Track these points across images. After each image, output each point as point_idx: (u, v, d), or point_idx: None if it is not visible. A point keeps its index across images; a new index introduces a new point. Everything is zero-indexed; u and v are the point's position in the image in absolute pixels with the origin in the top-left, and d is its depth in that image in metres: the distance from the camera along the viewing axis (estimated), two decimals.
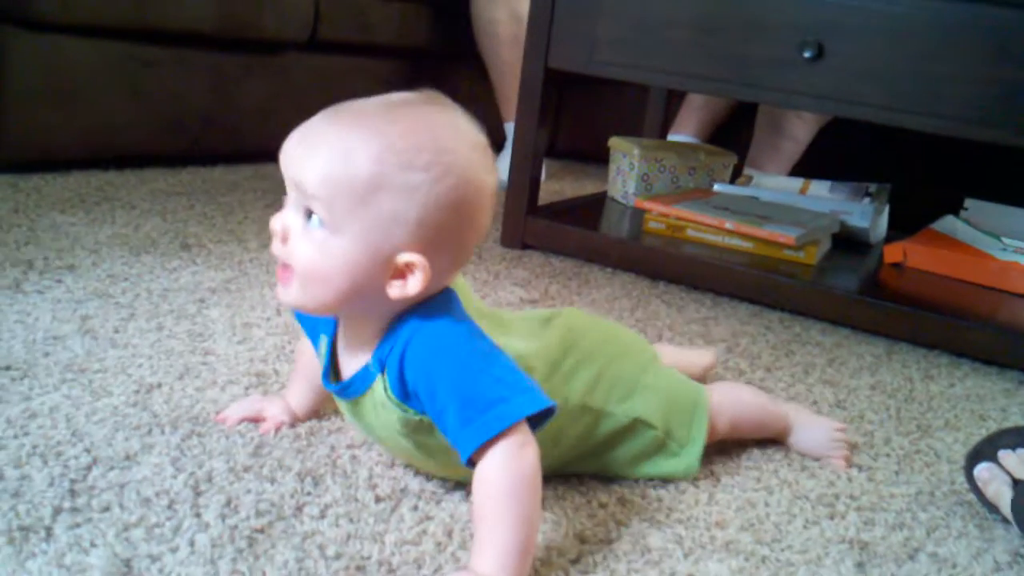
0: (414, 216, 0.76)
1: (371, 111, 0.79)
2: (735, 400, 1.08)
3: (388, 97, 0.81)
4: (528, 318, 1.01)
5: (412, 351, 0.79)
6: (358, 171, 0.75)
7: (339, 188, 0.75)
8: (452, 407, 0.77)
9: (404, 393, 0.81)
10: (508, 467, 0.76)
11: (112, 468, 0.87)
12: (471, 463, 0.77)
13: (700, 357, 1.24)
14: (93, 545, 0.75)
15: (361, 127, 0.77)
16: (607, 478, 0.99)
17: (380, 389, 0.83)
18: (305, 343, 0.97)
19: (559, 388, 0.91)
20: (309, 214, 0.77)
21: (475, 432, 0.77)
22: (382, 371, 0.82)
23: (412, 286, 0.78)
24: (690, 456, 1.00)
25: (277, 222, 0.79)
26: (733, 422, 1.06)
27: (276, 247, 0.80)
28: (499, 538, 0.75)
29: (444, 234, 0.78)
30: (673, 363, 1.09)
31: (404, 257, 0.77)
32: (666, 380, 1.03)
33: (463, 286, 0.88)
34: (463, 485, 0.92)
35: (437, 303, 0.82)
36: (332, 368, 0.89)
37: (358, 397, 0.86)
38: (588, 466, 0.98)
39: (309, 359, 0.98)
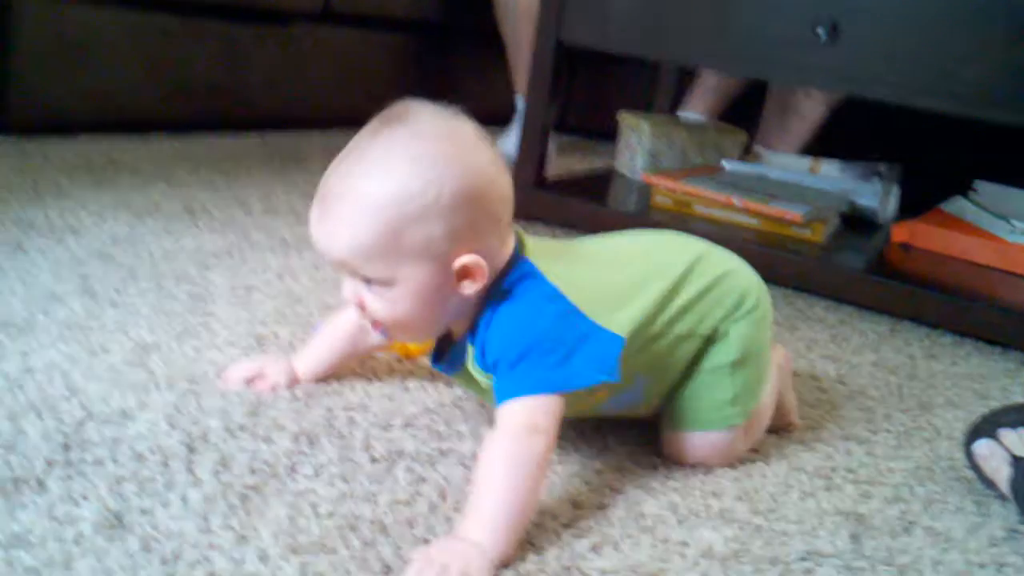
0: (441, 231, 0.80)
1: (356, 165, 0.82)
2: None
3: (364, 139, 0.84)
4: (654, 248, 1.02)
5: (494, 321, 0.85)
6: (376, 230, 0.80)
7: (370, 252, 0.81)
8: (505, 362, 0.83)
9: (486, 364, 0.86)
10: (513, 447, 0.80)
11: (107, 424, 0.87)
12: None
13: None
14: (84, 498, 0.75)
15: (358, 189, 0.81)
16: (603, 446, 0.99)
17: (471, 361, 0.88)
18: (344, 316, 1.01)
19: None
20: (366, 279, 0.83)
21: (511, 385, 0.82)
22: (473, 343, 0.87)
23: (480, 278, 0.83)
24: (730, 413, 0.97)
25: (348, 293, 0.86)
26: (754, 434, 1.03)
27: (359, 314, 0.87)
28: (486, 505, 0.77)
29: (476, 225, 0.82)
30: None
31: (458, 264, 0.82)
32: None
33: (542, 245, 0.92)
34: (457, 450, 0.93)
35: (515, 275, 0.86)
36: (439, 350, 0.94)
37: (459, 370, 0.91)
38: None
39: (343, 331, 1.01)
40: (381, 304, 0.84)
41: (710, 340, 0.96)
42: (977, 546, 0.90)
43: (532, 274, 0.86)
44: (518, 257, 0.87)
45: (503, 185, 0.84)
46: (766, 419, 1.04)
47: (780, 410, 1.08)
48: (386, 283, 0.82)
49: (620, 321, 0.88)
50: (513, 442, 0.80)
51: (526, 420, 0.81)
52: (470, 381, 0.91)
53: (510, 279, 0.86)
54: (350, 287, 0.85)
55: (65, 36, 1.90)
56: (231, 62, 2.19)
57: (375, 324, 0.87)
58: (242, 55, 2.21)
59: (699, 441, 0.97)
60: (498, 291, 0.85)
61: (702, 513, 0.89)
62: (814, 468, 1.01)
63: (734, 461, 0.99)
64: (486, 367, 0.86)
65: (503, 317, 0.84)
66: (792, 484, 0.97)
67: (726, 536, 0.85)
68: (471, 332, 0.87)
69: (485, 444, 0.81)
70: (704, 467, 0.97)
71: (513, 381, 0.83)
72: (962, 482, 1.03)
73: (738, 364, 0.96)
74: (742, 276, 1.00)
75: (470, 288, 0.83)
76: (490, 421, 0.91)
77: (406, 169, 0.80)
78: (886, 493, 0.98)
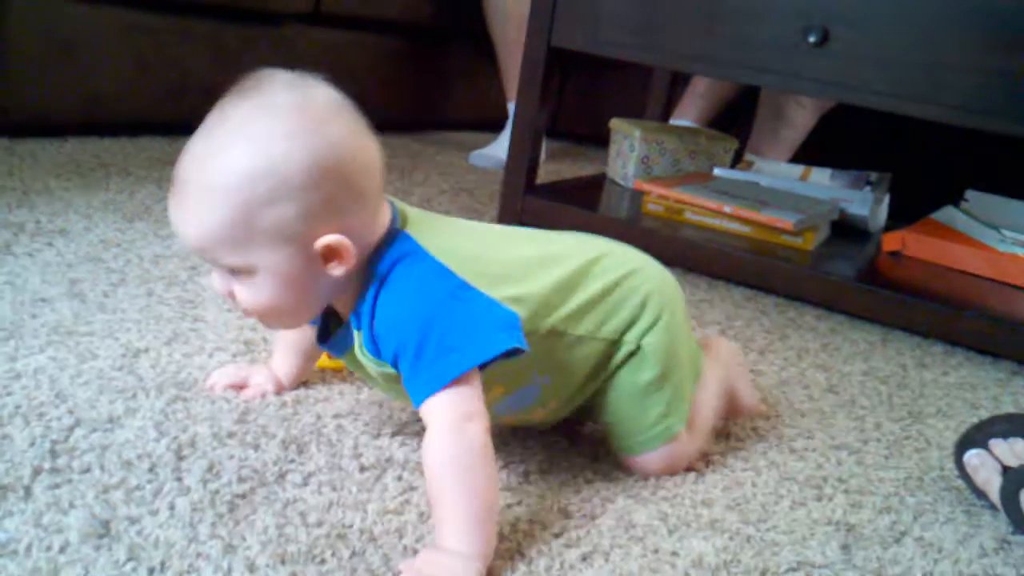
0: (295, 211, 0.76)
1: (201, 145, 0.77)
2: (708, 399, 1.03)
3: (213, 116, 0.78)
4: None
5: (379, 308, 0.80)
6: (223, 216, 0.75)
7: (221, 239, 0.77)
8: (407, 356, 0.78)
9: (377, 349, 0.81)
10: (452, 444, 0.77)
11: (95, 430, 0.86)
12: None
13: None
14: (72, 506, 0.75)
15: (203, 173, 0.76)
16: (593, 455, 0.99)
17: (359, 346, 0.83)
18: None
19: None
20: (229, 269, 0.79)
21: (424, 382, 0.78)
22: (358, 328, 0.82)
23: (347, 259, 0.78)
24: (666, 427, 0.95)
25: (217, 284, 0.82)
26: (699, 433, 1.01)
27: (232, 304, 0.83)
28: (453, 515, 0.75)
29: (336, 202, 0.77)
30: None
31: (320, 244, 0.77)
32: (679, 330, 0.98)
33: (425, 218, 0.87)
34: None
35: (394, 253, 0.81)
36: (323, 329, 0.90)
37: (347, 353, 0.86)
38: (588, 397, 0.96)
39: (300, 330, 0.97)
40: (248, 293, 0.80)
41: (615, 347, 0.93)
42: (968, 557, 0.90)
43: (414, 251, 0.81)
44: (396, 232, 0.82)
45: (366, 155, 0.79)
46: (708, 411, 1.01)
47: (735, 400, 1.08)
48: (247, 271, 0.78)
49: (508, 299, 0.83)
50: (449, 440, 0.77)
51: (454, 413, 0.77)
52: (358, 366, 0.87)
53: (389, 257, 0.81)
54: (218, 278, 0.81)
55: (55, 36, 1.89)
56: (222, 63, 2.18)
57: (247, 313, 0.83)
58: (233, 56, 2.20)
59: (648, 462, 0.96)
60: (378, 270, 0.80)
61: (692, 523, 0.88)
62: (805, 478, 1.01)
63: (689, 463, 0.99)
64: (378, 356, 0.81)
65: (389, 302, 0.80)
66: (783, 494, 0.97)
67: (716, 546, 0.85)
68: (355, 314, 0.82)
69: (424, 447, 0.77)
70: (694, 475, 0.97)
71: (424, 376, 0.78)
72: (953, 492, 1.03)
73: (661, 379, 0.94)
74: (645, 276, 0.96)
75: (338, 269, 0.79)
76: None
77: (251, 148, 0.74)
78: (877, 503, 0.98)
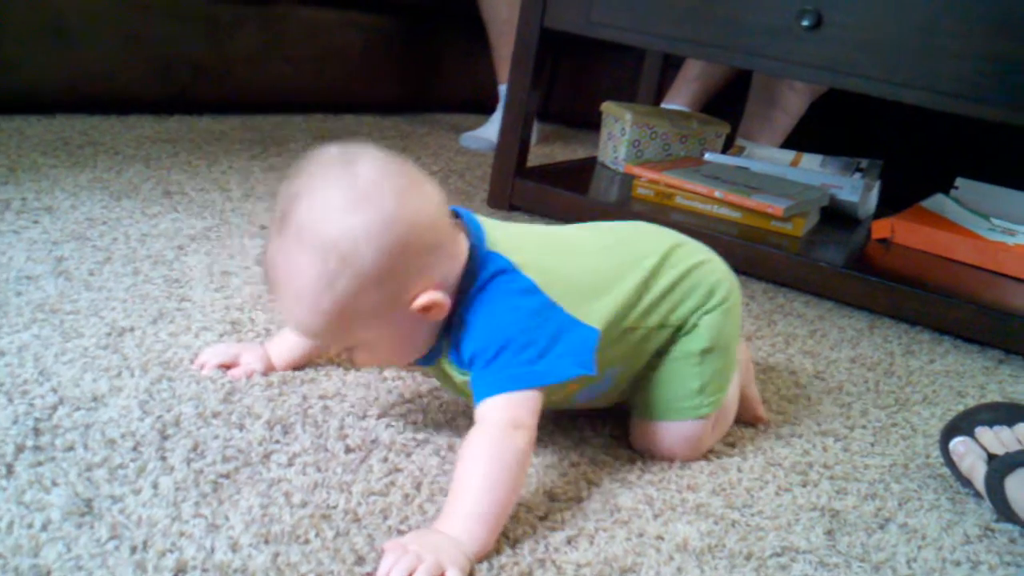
0: (380, 295, 0.79)
1: (278, 251, 0.80)
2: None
3: (273, 226, 0.81)
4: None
5: (470, 321, 0.84)
6: (320, 319, 0.80)
7: (324, 335, 0.84)
8: (482, 359, 0.83)
9: (462, 360, 0.85)
10: (495, 442, 0.79)
11: (78, 408, 0.86)
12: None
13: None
14: (54, 484, 0.74)
15: (290, 280, 0.79)
16: (580, 438, 0.98)
17: (445, 357, 0.87)
18: None
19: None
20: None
21: (490, 382, 0.82)
22: (448, 341, 0.86)
23: (444, 308, 0.83)
24: (698, 403, 0.96)
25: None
26: (721, 426, 1.03)
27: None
28: (465, 501, 0.76)
29: (414, 269, 0.80)
30: None
31: (416, 307, 0.81)
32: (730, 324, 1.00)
33: (504, 236, 0.89)
34: (433, 441, 0.92)
35: (487, 272, 0.84)
36: None
37: (434, 365, 0.90)
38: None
39: None
40: (364, 357, 0.87)
41: (679, 330, 0.95)
42: (952, 544, 0.90)
43: (505, 269, 0.85)
44: (485, 253, 0.85)
45: (425, 209, 0.81)
46: (732, 413, 1.04)
47: (744, 404, 1.08)
48: (359, 345, 0.85)
49: (595, 313, 0.87)
50: (495, 438, 0.79)
51: (507, 416, 0.80)
52: (444, 377, 0.90)
53: (482, 276, 0.84)
54: (342, 353, 0.88)
55: (44, 12, 1.87)
56: (212, 42, 2.17)
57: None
58: (223, 35, 2.19)
59: (669, 431, 0.96)
60: (472, 289, 0.84)
61: (678, 507, 0.88)
62: (790, 463, 1.01)
63: (701, 455, 0.99)
64: (461, 363, 0.85)
65: (480, 315, 0.83)
66: (768, 479, 0.97)
67: (701, 530, 0.85)
68: (446, 329, 0.86)
69: (467, 440, 0.80)
70: (677, 461, 0.97)
71: (491, 377, 0.82)
72: (938, 479, 1.03)
73: (707, 352, 0.95)
74: (713, 267, 0.99)
75: (439, 315, 0.83)
76: (467, 412, 0.91)
77: (318, 254, 0.77)
78: (862, 489, 0.98)
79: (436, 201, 0.83)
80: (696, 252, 1.00)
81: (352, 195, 0.78)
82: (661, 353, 0.96)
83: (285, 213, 0.79)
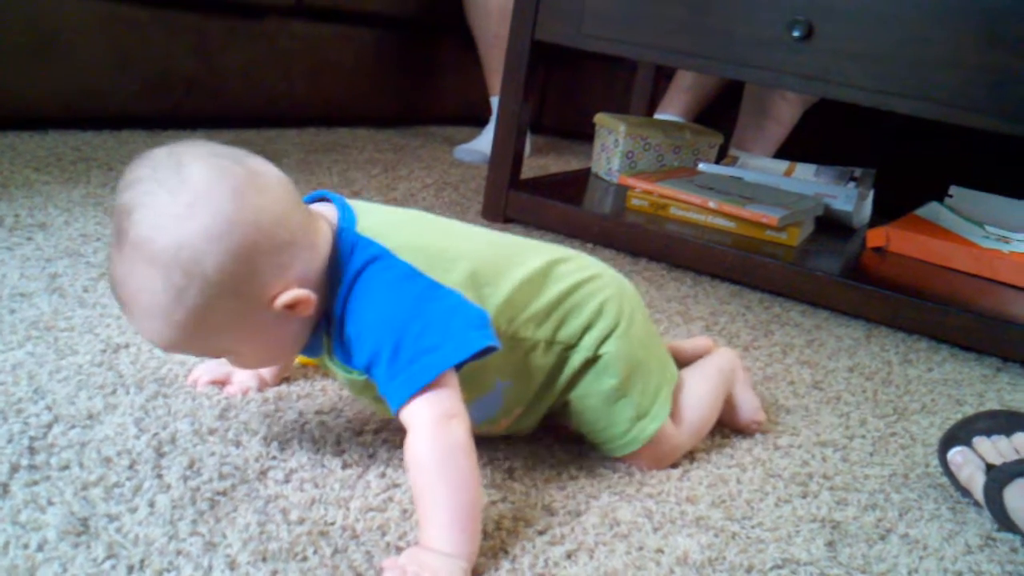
0: (235, 302, 0.75)
1: (117, 265, 0.74)
2: (694, 403, 1.02)
3: (111, 241, 0.75)
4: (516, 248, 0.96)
5: (349, 316, 0.79)
6: (173, 333, 0.75)
7: (184, 346, 0.78)
8: (381, 361, 0.77)
9: (346, 355, 0.80)
10: (436, 442, 0.76)
11: (73, 427, 0.85)
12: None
13: (694, 345, 1.16)
14: (50, 503, 0.74)
15: (132, 299, 0.74)
16: (579, 451, 0.98)
17: (328, 352, 0.83)
18: None
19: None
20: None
21: (402, 385, 0.76)
22: (328, 334, 0.82)
23: (307, 301, 0.77)
24: (639, 430, 0.95)
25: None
26: (689, 426, 1.00)
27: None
28: (437, 514, 0.74)
29: (266, 266, 0.75)
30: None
31: (278, 305, 0.76)
32: (648, 340, 0.98)
33: (378, 214, 0.85)
34: None
35: (358, 258, 0.79)
36: None
37: (319, 356, 0.85)
38: (552, 406, 0.95)
39: None
40: (238, 361, 0.84)
41: (571, 351, 0.92)
42: (953, 554, 0.90)
43: (378, 255, 0.79)
44: (354, 239, 0.80)
45: (270, 207, 0.75)
46: (696, 401, 1.01)
47: (737, 409, 1.08)
48: (227, 351, 0.81)
49: (482, 301, 0.83)
50: (433, 439, 0.75)
51: (435, 413, 0.76)
52: (330, 370, 0.86)
53: (354, 263, 0.79)
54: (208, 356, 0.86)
55: (37, 27, 1.87)
56: (204, 57, 2.17)
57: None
58: (215, 50, 2.19)
59: (633, 459, 0.96)
60: (344, 278, 0.79)
61: (677, 520, 0.88)
62: (790, 474, 1.01)
63: (680, 455, 0.99)
64: (347, 363, 0.81)
65: (359, 310, 0.78)
66: (768, 490, 0.97)
67: (701, 543, 0.84)
68: (325, 320, 0.81)
69: (407, 449, 0.76)
70: (679, 472, 0.97)
71: (401, 379, 0.76)
72: (938, 489, 1.03)
73: (625, 385, 0.93)
74: (603, 283, 0.95)
75: (305, 311, 0.78)
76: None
77: (156, 270, 0.72)
78: (862, 500, 0.98)
79: (281, 193, 0.77)
80: (585, 267, 0.96)
81: (185, 199, 0.71)
82: (568, 387, 0.93)
83: (120, 227, 0.73)
